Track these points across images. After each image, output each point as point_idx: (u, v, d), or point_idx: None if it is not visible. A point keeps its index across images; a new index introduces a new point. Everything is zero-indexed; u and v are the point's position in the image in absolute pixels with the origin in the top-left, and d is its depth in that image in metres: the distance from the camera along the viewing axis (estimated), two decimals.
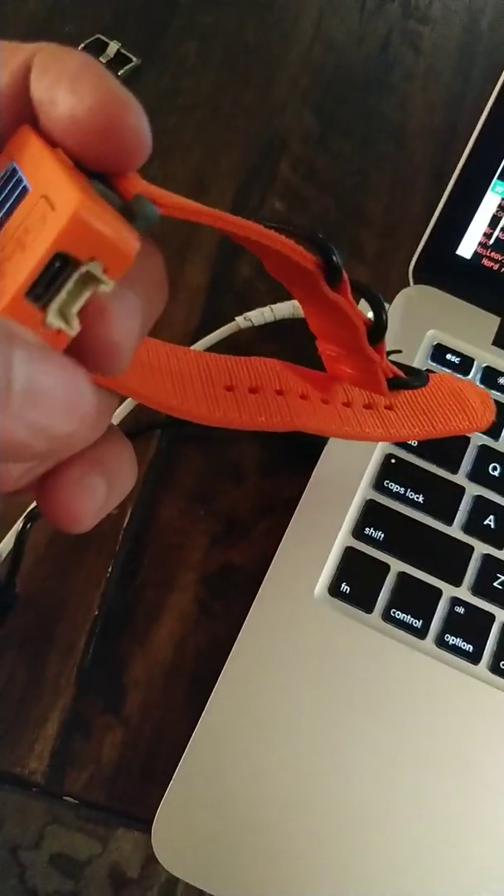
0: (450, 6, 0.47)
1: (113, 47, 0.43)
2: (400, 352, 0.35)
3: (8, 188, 0.15)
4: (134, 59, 0.43)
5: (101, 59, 0.43)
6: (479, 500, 0.34)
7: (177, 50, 0.44)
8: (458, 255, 0.37)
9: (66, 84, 0.14)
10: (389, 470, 0.34)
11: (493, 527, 0.34)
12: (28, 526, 0.32)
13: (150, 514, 0.34)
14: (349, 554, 0.33)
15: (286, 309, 0.37)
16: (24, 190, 0.14)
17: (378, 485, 0.34)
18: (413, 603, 0.32)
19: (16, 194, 0.14)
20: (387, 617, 0.32)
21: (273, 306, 0.37)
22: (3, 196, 0.15)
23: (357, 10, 0.47)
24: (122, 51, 0.43)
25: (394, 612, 0.32)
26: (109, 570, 0.33)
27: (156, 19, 0.45)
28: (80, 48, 0.43)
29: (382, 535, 0.33)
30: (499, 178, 0.36)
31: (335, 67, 0.45)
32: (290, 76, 0.44)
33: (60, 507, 0.16)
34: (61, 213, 0.13)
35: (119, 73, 0.43)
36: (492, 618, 0.32)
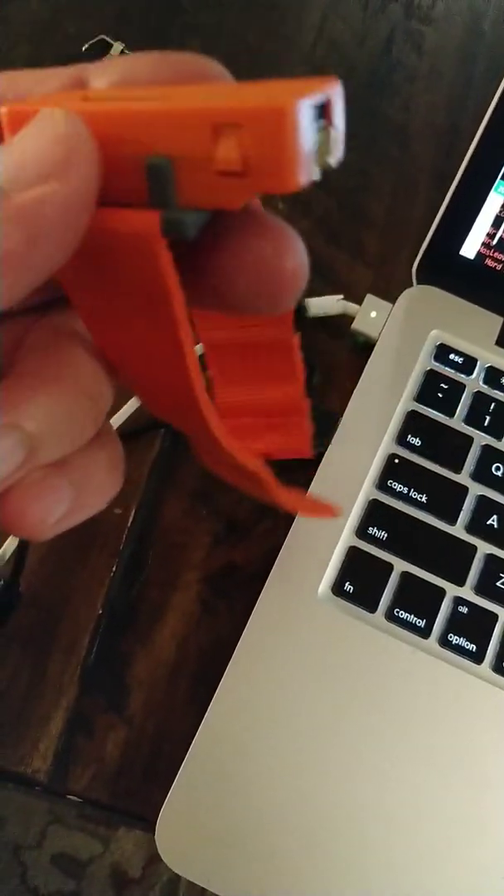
0: (452, 7, 0.47)
1: (117, 48, 0.43)
2: None
3: None
4: None
5: (105, 59, 0.43)
6: (482, 499, 0.34)
7: (179, 50, 0.44)
8: (461, 256, 0.38)
9: None
10: (393, 469, 0.34)
11: (496, 527, 0.34)
12: None
13: (153, 514, 0.34)
14: (353, 553, 0.33)
15: None
16: None
17: (381, 484, 0.34)
18: (416, 602, 0.32)
19: None
20: (390, 616, 0.32)
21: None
22: None
23: (360, 10, 0.47)
24: (126, 51, 0.43)
25: (397, 612, 0.32)
26: (113, 569, 0.33)
27: (158, 19, 0.45)
28: (84, 48, 0.43)
29: (386, 535, 0.33)
30: (502, 178, 0.36)
31: (338, 68, 0.45)
32: (293, 77, 0.44)
33: (12, 510, 0.14)
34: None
35: None
36: (495, 617, 0.32)
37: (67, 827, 0.53)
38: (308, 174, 0.12)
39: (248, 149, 0.11)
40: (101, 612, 0.32)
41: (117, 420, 0.34)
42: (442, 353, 0.37)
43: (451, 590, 0.32)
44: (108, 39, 0.43)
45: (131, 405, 0.35)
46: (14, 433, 0.13)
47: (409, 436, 0.35)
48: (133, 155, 0.12)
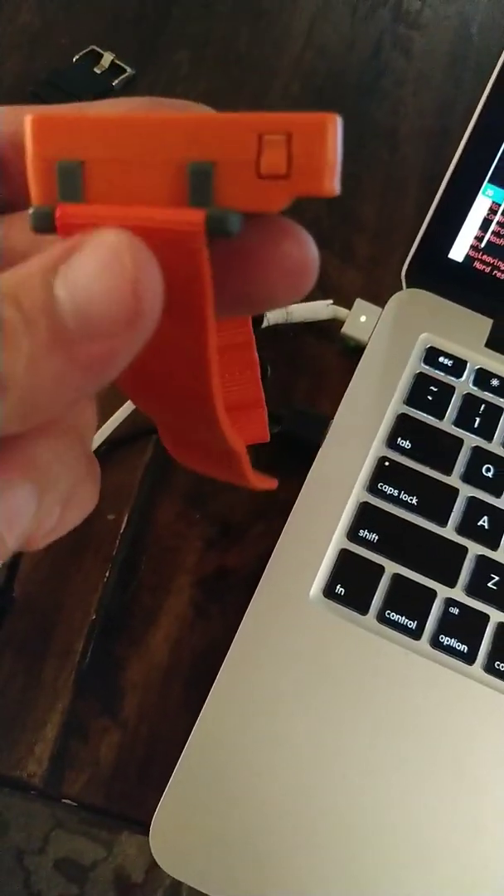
0: (440, 12, 0.47)
1: (107, 58, 0.43)
2: None
3: None
4: (128, 69, 0.44)
5: (96, 69, 0.43)
6: (472, 501, 0.34)
7: (170, 59, 0.45)
8: (450, 259, 0.38)
9: None
10: (383, 472, 0.34)
11: (486, 527, 0.34)
12: None
13: (146, 519, 0.34)
14: (344, 556, 0.33)
15: (279, 314, 0.37)
16: None
17: (372, 487, 0.34)
18: (408, 604, 0.32)
19: None
20: (381, 618, 0.32)
21: (266, 313, 0.37)
22: None
23: (348, 15, 0.47)
24: (117, 61, 0.44)
25: (388, 614, 0.32)
26: (107, 574, 0.33)
27: (149, 29, 0.46)
28: (75, 59, 0.44)
29: (377, 537, 0.33)
30: (489, 181, 0.36)
31: (327, 73, 0.45)
32: (282, 83, 0.45)
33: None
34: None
35: (114, 83, 0.43)
36: (486, 618, 0.32)
37: (70, 832, 0.54)
38: (338, 182, 0.13)
39: (294, 155, 0.13)
40: (94, 616, 0.33)
41: (110, 426, 0.35)
42: (431, 355, 0.37)
43: (443, 591, 0.33)
44: (99, 50, 0.44)
45: (124, 411, 0.35)
46: (25, 485, 0.13)
47: (400, 438, 0.35)
48: (175, 160, 0.13)
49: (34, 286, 0.12)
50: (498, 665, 0.32)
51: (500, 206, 0.36)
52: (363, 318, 0.37)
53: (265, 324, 0.38)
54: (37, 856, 0.54)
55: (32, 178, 0.13)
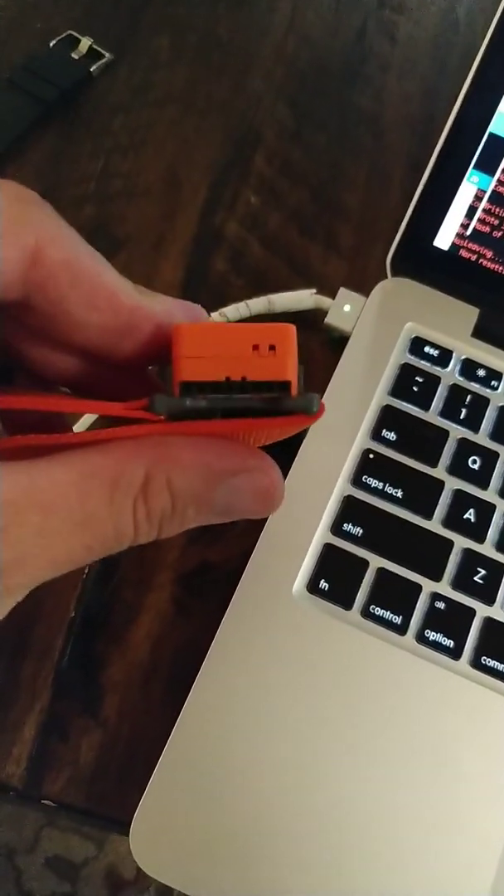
0: None
1: (85, 43, 0.43)
2: None
3: None
4: (107, 54, 0.43)
5: (73, 54, 0.42)
6: (458, 493, 0.34)
7: (149, 44, 0.44)
8: (435, 247, 0.37)
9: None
10: (367, 465, 0.34)
11: (473, 521, 0.33)
12: None
13: None
14: (328, 550, 0.32)
15: (261, 304, 0.37)
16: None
17: (356, 480, 0.33)
18: (393, 599, 0.32)
19: None
20: (366, 613, 0.31)
21: (248, 301, 0.37)
22: None
23: (332, 1, 0.46)
24: (95, 46, 0.43)
25: (373, 609, 0.32)
26: (86, 570, 0.33)
27: (127, 13, 0.45)
28: (52, 44, 0.43)
29: (361, 531, 0.33)
30: (474, 167, 0.36)
31: (310, 59, 0.45)
32: (265, 69, 0.44)
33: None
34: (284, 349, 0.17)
35: (92, 69, 0.42)
36: (472, 612, 0.32)
37: (61, 830, 0.53)
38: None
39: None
40: (73, 614, 0.32)
41: (84, 423, 0.34)
42: (417, 345, 0.36)
43: (428, 585, 0.32)
44: (76, 35, 0.43)
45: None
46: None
47: (384, 430, 0.34)
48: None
49: (205, 488, 0.17)
50: (484, 660, 0.31)
51: (485, 192, 0.36)
52: (347, 308, 0.37)
53: (248, 314, 0.37)
54: (27, 855, 0.54)
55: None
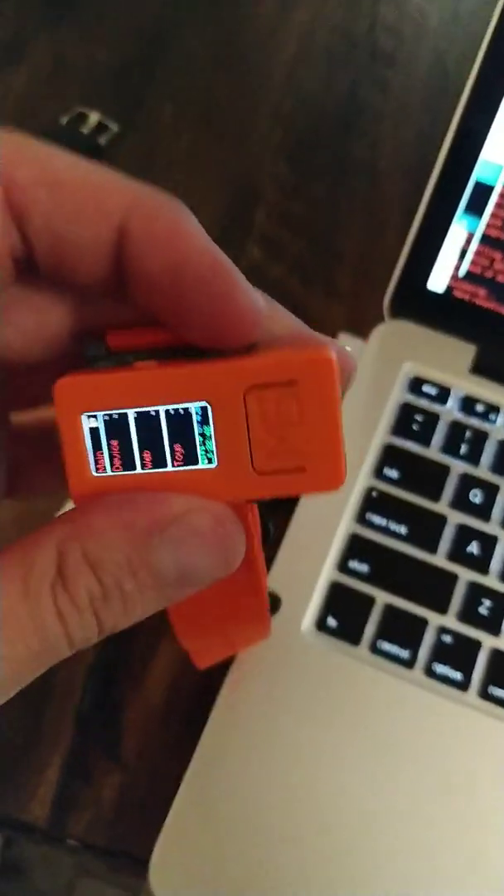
0: (414, 50, 0.49)
1: (93, 119, 0.46)
2: None
3: (143, 429, 0.15)
4: (114, 126, 0.46)
5: (83, 129, 0.46)
6: (461, 527, 0.34)
7: (153, 115, 0.47)
8: (429, 289, 0.38)
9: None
10: (371, 502, 0.35)
11: (476, 554, 0.34)
12: None
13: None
14: (334, 588, 0.33)
15: None
16: (195, 409, 0.15)
17: (360, 518, 0.35)
18: (400, 633, 0.33)
19: (165, 424, 0.15)
20: (374, 649, 0.32)
21: None
22: (145, 439, 0.15)
23: (325, 59, 0.49)
24: (102, 121, 0.46)
25: (381, 644, 0.32)
26: None
27: (132, 88, 0.48)
28: (64, 121, 0.46)
29: (367, 568, 0.34)
30: (465, 210, 0.37)
31: (306, 115, 0.47)
32: (263, 129, 0.46)
33: None
34: (321, 383, 0.15)
35: (101, 142, 0.45)
36: (479, 644, 0.32)
37: (95, 878, 0.54)
38: None
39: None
40: (92, 660, 0.33)
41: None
42: (416, 384, 0.37)
43: (435, 619, 0.33)
44: (85, 111, 0.46)
45: None
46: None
47: (386, 468, 0.35)
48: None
49: (135, 552, 0.14)
50: (492, 690, 0.31)
51: (474, 234, 0.37)
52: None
53: None
54: None
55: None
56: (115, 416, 0.15)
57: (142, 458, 0.15)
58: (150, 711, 0.33)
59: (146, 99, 0.48)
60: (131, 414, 0.15)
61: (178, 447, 0.15)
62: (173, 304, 0.15)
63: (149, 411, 0.15)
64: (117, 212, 0.14)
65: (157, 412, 0.15)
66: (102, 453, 0.15)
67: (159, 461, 0.15)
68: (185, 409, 0.15)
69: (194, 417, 0.15)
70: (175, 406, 0.15)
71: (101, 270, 0.15)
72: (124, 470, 0.15)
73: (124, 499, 0.14)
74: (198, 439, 0.15)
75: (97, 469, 0.15)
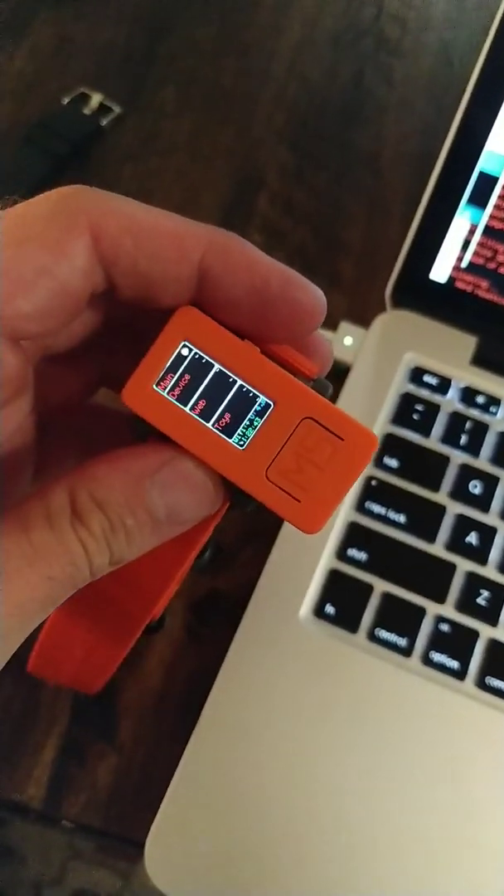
0: (421, 39, 0.49)
1: (96, 99, 0.45)
2: None
3: (215, 385, 0.17)
4: (116, 108, 0.45)
5: (85, 110, 0.45)
6: (460, 518, 0.34)
7: (156, 97, 0.46)
8: (432, 279, 0.38)
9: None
10: (370, 491, 0.35)
11: (475, 544, 0.34)
12: None
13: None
14: (333, 576, 0.33)
15: None
16: (259, 402, 0.17)
17: (360, 506, 0.35)
18: (398, 622, 0.33)
19: (232, 394, 0.17)
20: (372, 637, 0.32)
21: None
22: (210, 393, 0.17)
23: (330, 47, 0.48)
24: (105, 102, 0.45)
25: (379, 632, 0.32)
26: None
27: (135, 70, 0.47)
28: (65, 102, 0.46)
29: (366, 556, 0.34)
30: (466, 202, 0.37)
31: (310, 103, 0.47)
32: (266, 115, 0.46)
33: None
34: (358, 455, 0.17)
35: (103, 123, 0.45)
36: (476, 634, 0.33)
37: (87, 862, 0.54)
38: None
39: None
40: None
41: None
42: (416, 375, 0.37)
43: (432, 608, 0.33)
44: (87, 91, 0.45)
45: None
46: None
47: (387, 457, 0.35)
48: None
49: (132, 493, 0.16)
50: (489, 681, 0.32)
51: (477, 226, 0.37)
52: (348, 340, 0.38)
53: None
54: (54, 887, 0.54)
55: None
56: (204, 361, 0.17)
57: (196, 402, 0.17)
58: (147, 695, 0.32)
59: (149, 81, 0.47)
60: (217, 367, 0.17)
61: (227, 415, 0.17)
62: (258, 317, 0.17)
63: (230, 376, 0.17)
64: (196, 252, 0.17)
65: (234, 381, 0.17)
66: (173, 377, 0.17)
67: (206, 415, 0.17)
68: (255, 395, 0.17)
69: (256, 405, 0.17)
70: (251, 388, 0.17)
71: (182, 301, 0.18)
72: (176, 400, 0.17)
73: (121, 452, 0.17)
74: (246, 422, 0.17)
75: (158, 385, 0.17)
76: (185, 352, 0.17)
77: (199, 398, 0.17)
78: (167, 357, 0.17)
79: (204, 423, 0.17)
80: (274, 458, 0.17)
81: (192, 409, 0.17)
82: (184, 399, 0.17)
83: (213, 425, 0.17)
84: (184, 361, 0.17)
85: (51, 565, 0.16)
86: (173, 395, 0.17)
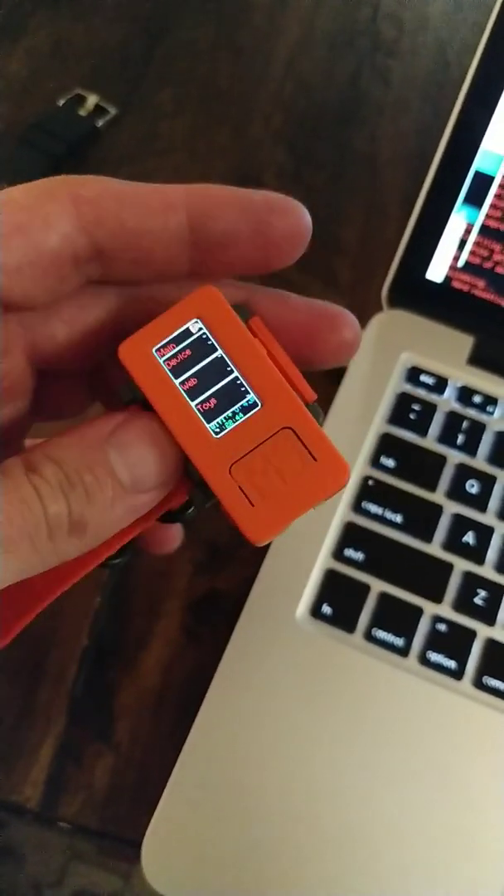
0: (418, 39, 0.49)
1: (92, 100, 0.45)
2: None
3: (211, 368, 0.17)
4: (112, 109, 0.45)
5: (81, 111, 0.45)
6: (457, 517, 0.34)
7: (153, 98, 0.46)
8: (428, 279, 0.38)
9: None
10: (367, 491, 0.35)
11: (472, 543, 0.34)
12: None
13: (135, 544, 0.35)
14: (330, 576, 0.33)
15: None
16: (248, 398, 0.17)
17: (356, 506, 0.35)
18: (395, 622, 0.33)
19: (224, 383, 0.17)
20: (369, 637, 0.32)
21: None
22: (204, 374, 0.17)
23: (327, 47, 0.48)
24: (100, 103, 0.45)
25: (376, 632, 0.32)
26: (98, 599, 0.34)
27: (132, 71, 0.47)
28: (61, 103, 0.46)
29: (362, 556, 0.34)
30: (464, 201, 0.37)
31: (307, 104, 0.47)
32: (263, 115, 0.46)
33: None
34: (327, 480, 0.17)
35: (98, 124, 0.45)
36: (473, 633, 0.32)
37: (87, 863, 0.54)
38: None
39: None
40: (87, 642, 0.33)
41: None
42: (413, 374, 0.37)
43: (429, 608, 0.33)
44: (83, 93, 0.45)
45: None
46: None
47: (383, 457, 0.35)
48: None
49: (91, 452, 0.17)
50: (486, 680, 0.32)
51: (473, 226, 0.37)
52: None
53: None
54: (54, 888, 0.54)
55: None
56: (209, 343, 0.17)
57: (187, 379, 0.17)
58: (144, 695, 0.32)
59: (146, 82, 0.47)
60: (219, 353, 0.17)
61: (213, 401, 0.17)
62: (251, 244, 0.18)
63: (229, 365, 0.17)
64: (180, 202, 0.18)
65: (231, 371, 0.17)
66: (174, 348, 0.17)
67: (193, 394, 0.17)
68: (246, 391, 0.17)
69: (244, 401, 0.17)
70: (245, 383, 0.17)
71: (176, 253, 0.18)
72: (169, 370, 0.17)
73: (79, 424, 0.17)
74: (229, 413, 0.17)
75: (158, 350, 0.17)
76: (194, 328, 0.17)
77: (191, 376, 0.17)
78: (175, 327, 0.17)
79: (189, 400, 0.17)
80: (243, 456, 0.17)
81: (181, 383, 0.17)
82: (177, 372, 0.17)
83: (196, 405, 0.17)
84: (189, 337, 0.17)
85: (16, 509, 0.15)
86: (169, 364, 0.17)
